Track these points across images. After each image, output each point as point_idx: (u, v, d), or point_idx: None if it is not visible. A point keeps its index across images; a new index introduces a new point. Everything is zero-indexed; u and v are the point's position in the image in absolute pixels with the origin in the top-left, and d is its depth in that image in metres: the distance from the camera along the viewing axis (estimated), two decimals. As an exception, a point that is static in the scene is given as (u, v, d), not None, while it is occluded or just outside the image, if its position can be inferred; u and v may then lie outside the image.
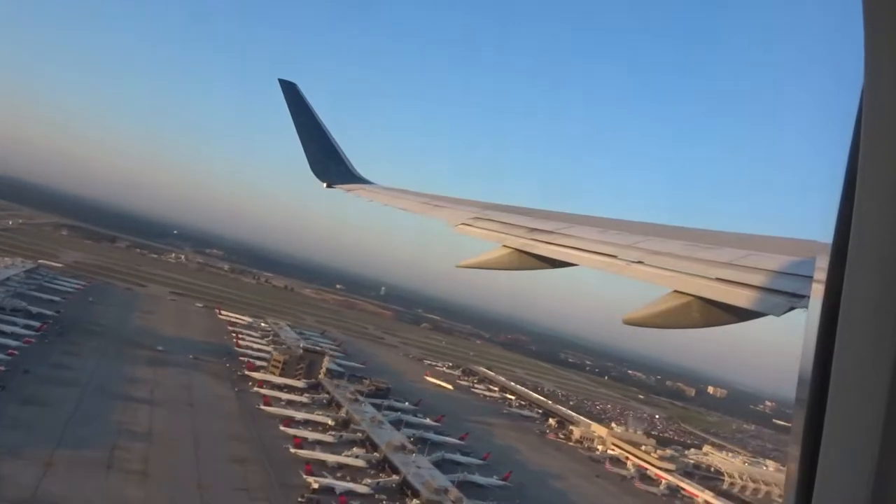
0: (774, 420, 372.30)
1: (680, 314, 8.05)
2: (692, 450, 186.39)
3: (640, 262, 9.65)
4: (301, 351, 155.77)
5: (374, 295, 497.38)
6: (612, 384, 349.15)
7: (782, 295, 7.20)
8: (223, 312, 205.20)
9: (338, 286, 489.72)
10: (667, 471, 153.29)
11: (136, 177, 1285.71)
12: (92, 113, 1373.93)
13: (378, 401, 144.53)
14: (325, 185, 22.51)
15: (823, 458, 2.65)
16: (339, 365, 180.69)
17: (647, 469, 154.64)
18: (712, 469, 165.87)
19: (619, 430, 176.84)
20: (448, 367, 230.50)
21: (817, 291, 3.02)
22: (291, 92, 23.74)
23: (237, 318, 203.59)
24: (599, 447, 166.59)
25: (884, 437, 2.39)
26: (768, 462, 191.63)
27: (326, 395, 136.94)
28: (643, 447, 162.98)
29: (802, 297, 6.71)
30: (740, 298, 7.58)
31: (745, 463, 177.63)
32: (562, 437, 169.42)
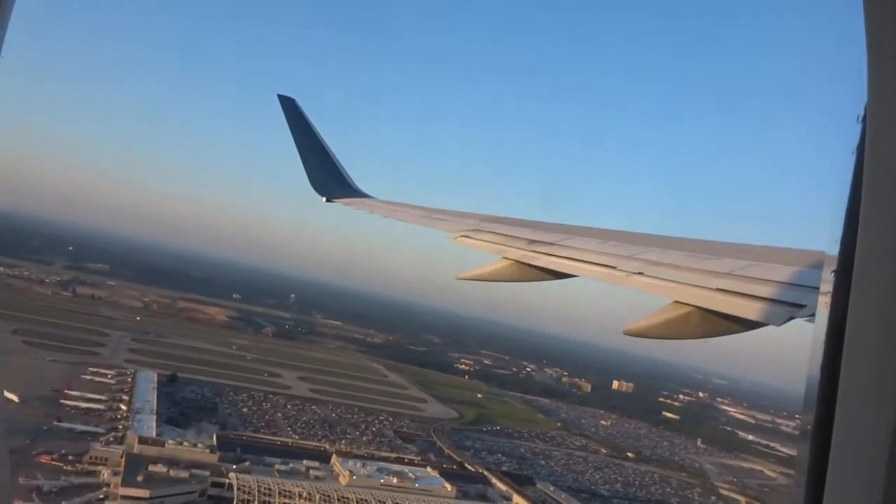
0: (666, 413, 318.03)
1: (680, 324, 8.02)
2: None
3: (640, 273, 9.48)
4: None
5: (272, 304, 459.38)
6: (466, 383, 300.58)
7: (782, 305, 7.11)
8: None
9: (235, 295, 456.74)
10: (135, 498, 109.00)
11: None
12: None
13: None
14: (324, 199, 22.30)
15: (833, 470, 2.58)
16: None
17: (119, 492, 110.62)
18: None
19: (178, 445, 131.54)
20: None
21: (823, 300, 2.96)
22: (290, 107, 23.72)
23: None
24: (101, 468, 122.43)
25: (892, 449, 2.31)
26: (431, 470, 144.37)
27: None
28: (159, 465, 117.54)
29: (802, 306, 6.74)
30: (740, 309, 7.53)
31: (367, 471, 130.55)
32: (71, 458, 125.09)
